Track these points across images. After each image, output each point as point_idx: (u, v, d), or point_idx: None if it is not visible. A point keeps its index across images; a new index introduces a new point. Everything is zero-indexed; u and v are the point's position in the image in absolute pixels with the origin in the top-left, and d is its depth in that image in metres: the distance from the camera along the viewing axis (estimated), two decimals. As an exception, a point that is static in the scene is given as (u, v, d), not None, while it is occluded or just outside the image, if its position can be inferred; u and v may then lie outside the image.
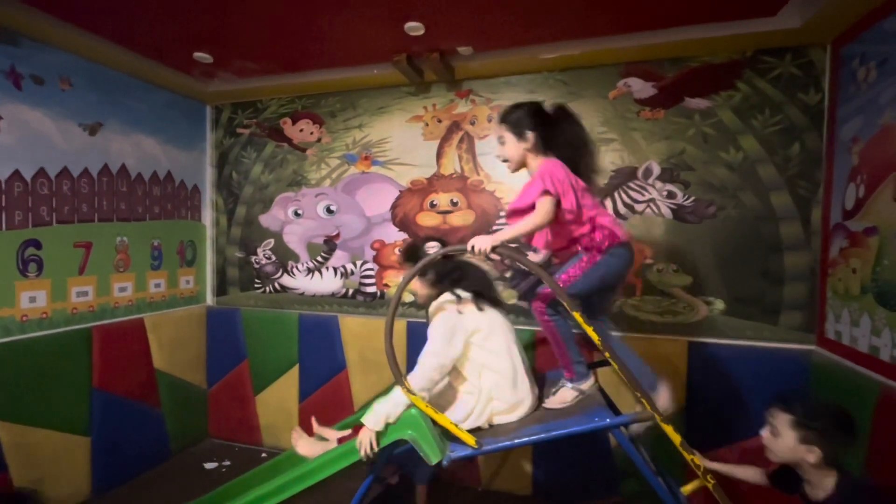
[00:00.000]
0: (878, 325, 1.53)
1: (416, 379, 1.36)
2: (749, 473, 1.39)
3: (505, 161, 1.53)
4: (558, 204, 1.36)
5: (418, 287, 1.58)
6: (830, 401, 1.27)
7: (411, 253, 1.61)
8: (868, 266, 1.58)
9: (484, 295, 1.52)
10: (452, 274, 1.53)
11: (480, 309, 1.48)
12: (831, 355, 1.78)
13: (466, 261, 1.59)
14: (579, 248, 1.46)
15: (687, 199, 2.08)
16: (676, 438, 1.27)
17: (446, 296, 1.50)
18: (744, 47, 1.98)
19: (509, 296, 2.33)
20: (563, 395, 1.52)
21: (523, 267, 1.44)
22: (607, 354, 1.29)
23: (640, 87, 2.13)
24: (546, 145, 1.46)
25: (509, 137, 1.48)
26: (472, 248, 1.33)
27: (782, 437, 1.21)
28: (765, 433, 1.25)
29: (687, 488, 1.37)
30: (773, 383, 1.85)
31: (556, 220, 1.39)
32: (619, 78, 2.16)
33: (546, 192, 1.35)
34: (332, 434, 1.63)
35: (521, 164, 1.51)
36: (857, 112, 1.69)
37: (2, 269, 1.87)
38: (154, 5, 1.79)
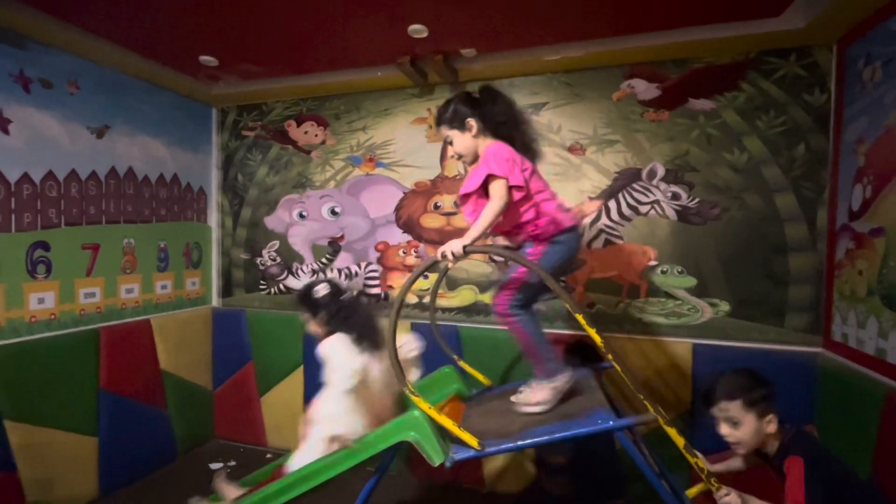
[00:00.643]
0: (885, 327, 1.52)
1: (321, 417, 1.45)
2: (737, 463, 1.46)
3: (460, 158, 1.53)
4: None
5: (313, 326, 1.63)
6: (741, 371, 1.33)
7: (304, 297, 1.63)
8: (875, 268, 1.57)
9: (366, 338, 1.56)
10: (340, 314, 1.58)
11: (361, 351, 1.52)
12: (838, 358, 1.77)
13: (357, 303, 1.65)
14: (523, 237, 1.46)
15: (691, 201, 2.08)
16: (680, 441, 1.27)
17: (336, 336, 1.55)
18: (748, 48, 1.97)
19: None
20: (536, 395, 1.48)
21: (517, 263, 1.43)
22: (610, 357, 1.28)
23: (644, 89, 2.13)
24: (485, 128, 1.47)
25: (454, 133, 1.49)
26: (444, 254, 1.32)
27: (744, 424, 1.25)
28: (724, 429, 1.28)
29: (691, 491, 1.36)
30: (779, 386, 1.84)
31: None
32: (622, 79, 2.16)
33: (493, 176, 1.35)
34: (232, 492, 1.64)
35: (476, 155, 1.50)
36: (862, 112, 1.68)
37: (11, 270, 1.90)
38: (160, 9, 1.81)
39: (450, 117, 1.49)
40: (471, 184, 1.43)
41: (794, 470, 1.19)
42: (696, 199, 2.07)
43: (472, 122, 1.46)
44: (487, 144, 1.45)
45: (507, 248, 1.53)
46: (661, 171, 2.11)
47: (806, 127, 1.93)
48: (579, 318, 1.28)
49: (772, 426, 1.25)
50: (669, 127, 2.10)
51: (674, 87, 2.09)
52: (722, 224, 2.04)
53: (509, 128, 1.48)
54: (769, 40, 1.90)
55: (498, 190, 1.36)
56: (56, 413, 1.99)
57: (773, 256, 1.97)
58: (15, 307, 1.91)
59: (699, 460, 1.28)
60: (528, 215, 1.42)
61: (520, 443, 1.34)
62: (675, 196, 2.10)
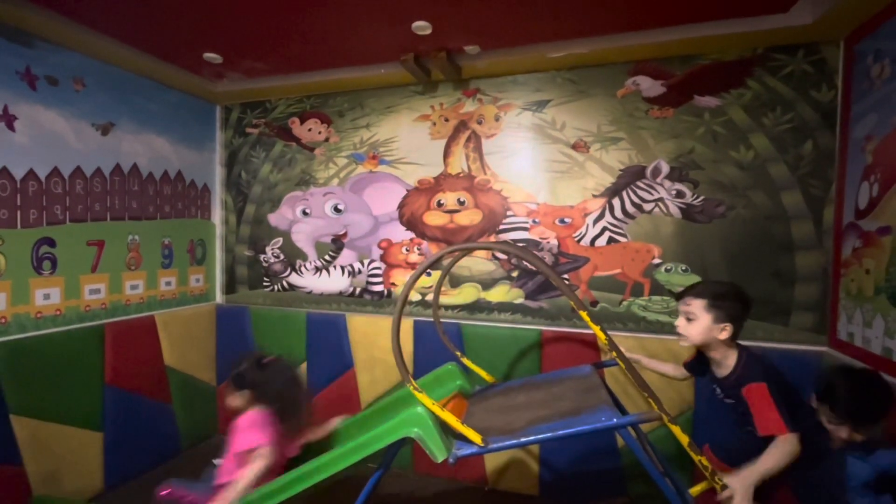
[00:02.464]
0: (892, 326, 1.51)
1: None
2: (669, 368, 1.68)
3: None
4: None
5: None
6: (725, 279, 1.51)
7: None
8: (882, 266, 1.56)
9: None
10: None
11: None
12: (844, 357, 1.76)
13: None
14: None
15: (696, 199, 2.06)
16: (684, 439, 1.26)
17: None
18: (755, 44, 1.95)
19: (516, 295, 2.32)
20: None
21: (530, 267, 1.44)
22: (614, 354, 1.28)
23: (649, 86, 2.12)
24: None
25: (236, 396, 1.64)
26: None
27: (699, 321, 1.40)
28: (680, 321, 1.44)
29: (695, 490, 1.36)
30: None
31: None
32: (627, 76, 2.14)
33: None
34: None
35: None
36: (870, 109, 1.66)
37: (17, 266, 1.91)
38: (165, 7, 1.82)
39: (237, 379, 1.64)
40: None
41: (759, 394, 1.29)
42: (701, 197, 2.06)
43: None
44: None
45: (505, 243, 1.55)
46: (665, 169, 2.10)
47: (813, 124, 1.91)
48: (584, 315, 1.28)
49: (724, 334, 1.38)
50: (674, 124, 2.09)
51: (679, 84, 2.08)
52: (727, 222, 2.03)
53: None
54: (777, 36, 1.88)
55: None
56: (62, 408, 2.01)
57: (778, 255, 1.96)
58: (21, 303, 1.92)
59: (703, 458, 1.27)
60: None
61: (523, 439, 1.33)
62: (680, 194, 2.08)
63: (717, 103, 2.03)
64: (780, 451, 1.24)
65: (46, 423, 1.95)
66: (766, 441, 1.29)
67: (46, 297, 2.01)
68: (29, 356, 1.91)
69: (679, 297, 1.48)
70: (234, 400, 1.65)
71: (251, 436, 1.56)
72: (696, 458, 1.26)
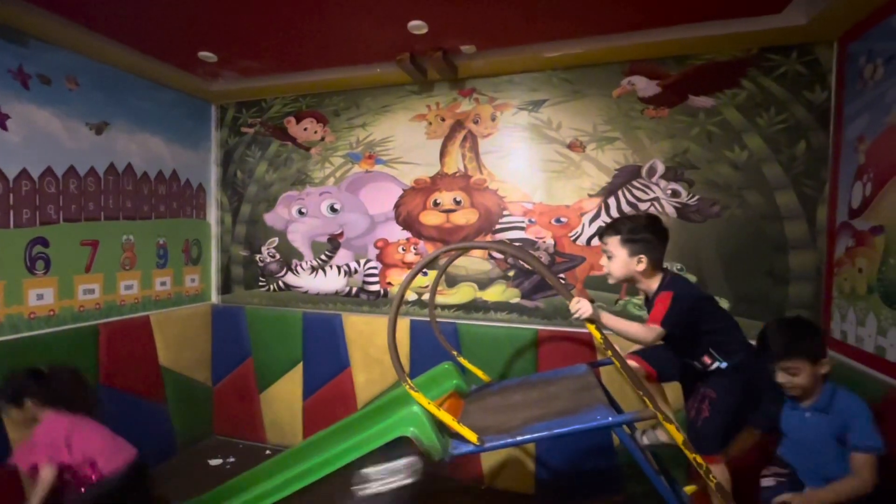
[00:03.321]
0: (885, 324, 1.52)
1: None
2: (637, 328, 1.58)
3: None
4: None
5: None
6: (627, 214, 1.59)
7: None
8: (874, 265, 1.57)
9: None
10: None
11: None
12: (837, 355, 1.77)
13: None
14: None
15: (691, 198, 2.07)
16: (679, 437, 1.27)
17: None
18: (749, 45, 1.96)
19: (512, 295, 2.33)
20: None
21: (526, 266, 1.45)
22: (609, 353, 1.28)
23: (645, 86, 2.13)
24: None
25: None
26: None
27: (616, 257, 1.47)
28: (603, 261, 1.52)
29: (690, 488, 1.37)
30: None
31: None
32: (622, 76, 2.15)
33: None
34: None
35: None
36: (863, 110, 1.68)
37: (10, 266, 1.89)
38: (159, 5, 1.81)
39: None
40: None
41: (662, 299, 1.38)
42: (696, 197, 2.07)
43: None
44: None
45: (502, 243, 1.57)
46: (661, 169, 2.11)
47: (807, 124, 1.92)
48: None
49: (641, 265, 1.44)
50: (669, 124, 2.10)
51: (674, 84, 2.09)
52: (722, 222, 2.04)
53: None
54: (770, 37, 1.89)
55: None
56: (55, 409, 1.99)
57: (773, 254, 1.97)
58: (14, 303, 1.91)
59: (697, 456, 1.28)
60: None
61: (519, 438, 1.34)
62: (675, 193, 2.09)
63: (711, 103, 2.04)
64: (636, 331, 1.34)
65: (40, 425, 1.93)
66: (678, 347, 1.50)
67: (40, 297, 2.00)
68: (22, 356, 1.89)
69: (600, 236, 1.56)
70: (21, 415, 1.65)
71: (38, 451, 1.57)
72: (690, 456, 1.27)
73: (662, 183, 2.11)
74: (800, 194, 1.94)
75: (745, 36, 1.90)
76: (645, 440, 1.53)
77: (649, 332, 1.35)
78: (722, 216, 2.04)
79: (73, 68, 2.10)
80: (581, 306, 1.25)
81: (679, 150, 2.09)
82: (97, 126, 2.22)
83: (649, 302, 1.51)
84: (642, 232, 1.46)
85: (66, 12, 1.88)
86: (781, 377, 1.36)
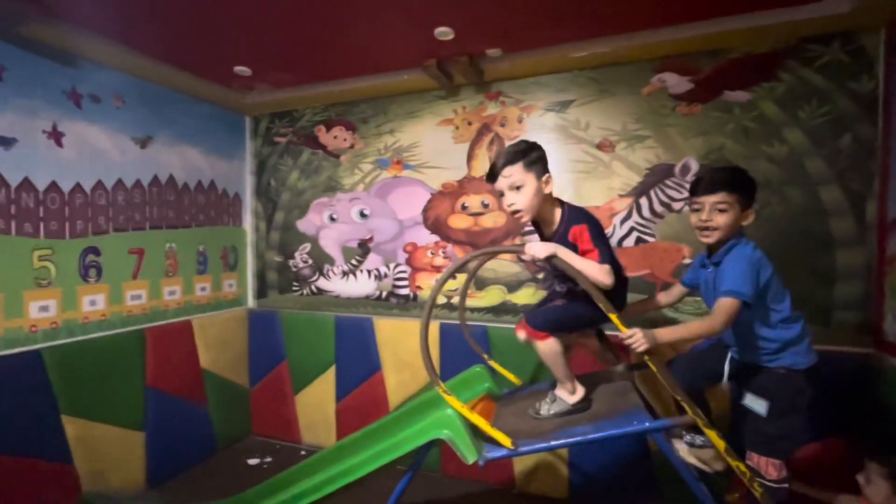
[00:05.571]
0: (944, 326, 1.43)
1: None
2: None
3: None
4: None
5: None
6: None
7: None
8: (931, 263, 1.48)
9: None
10: None
11: None
12: (891, 358, 1.67)
13: None
14: None
15: (728, 196, 2.00)
16: (721, 444, 1.23)
17: None
18: (787, 36, 1.89)
19: (542, 297, 2.30)
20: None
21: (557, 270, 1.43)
22: (646, 357, 1.26)
23: (676, 82, 2.07)
24: None
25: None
26: None
27: (526, 185, 1.36)
28: (507, 198, 1.39)
29: (732, 497, 1.32)
30: (825, 390, 1.76)
31: None
32: (652, 73, 2.11)
33: None
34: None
35: None
36: (915, 99, 1.59)
37: (66, 274, 2.02)
38: (198, 25, 1.90)
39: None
40: None
41: (584, 236, 1.32)
42: (733, 195, 2.00)
43: None
44: None
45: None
46: (694, 167, 2.05)
47: (852, 116, 1.83)
48: (613, 318, 1.26)
49: (549, 186, 1.38)
50: (703, 121, 2.04)
51: (707, 80, 2.03)
52: (761, 219, 1.95)
53: None
54: (811, 26, 1.81)
55: None
56: (107, 408, 2.11)
57: (817, 252, 1.88)
58: (70, 309, 2.03)
59: (741, 464, 1.24)
60: None
61: (553, 443, 1.33)
62: (711, 191, 2.03)
63: (747, 98, 1.97)
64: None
65: (93, 423, 2.05)
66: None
67: (93, 303, 2.12)
68: (77, 359, 2.02)
69: (491, 178, 1.41)
70: None
71: None
72: (733, 463, 1.23)
73: (697, 181, 2.05)
74: (846, 189, 1.84)
75: (783, 27, 1.82)
76: (692, 459, 1.47)
77: (602, 272, 1.28)
78: (761, 214, 1.96)
79: (119, 87, 2.23)
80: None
81: (713, 146, 2.03)
82: (142, 140, 2.35)
83: (556, 236, 1.38)
84: (538, 149, 1.39)
85: (113, 34, 2.00)
86: (706, 215, 1.34)
